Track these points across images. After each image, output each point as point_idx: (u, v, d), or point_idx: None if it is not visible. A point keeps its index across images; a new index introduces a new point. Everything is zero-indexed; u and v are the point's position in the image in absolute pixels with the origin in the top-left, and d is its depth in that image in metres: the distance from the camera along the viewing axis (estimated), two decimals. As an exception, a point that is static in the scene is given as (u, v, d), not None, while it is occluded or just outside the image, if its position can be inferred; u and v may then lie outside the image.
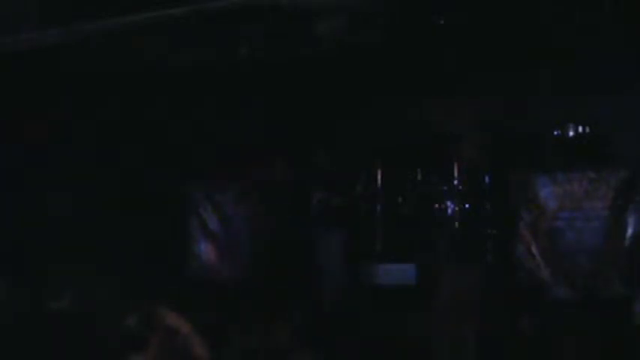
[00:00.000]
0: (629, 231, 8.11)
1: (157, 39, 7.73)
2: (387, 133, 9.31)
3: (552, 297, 8.24)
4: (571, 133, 8.83)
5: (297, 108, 9.22)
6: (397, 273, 8.61)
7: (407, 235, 9.08)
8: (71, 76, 8.10)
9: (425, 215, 9.04)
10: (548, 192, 8.37)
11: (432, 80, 8.72)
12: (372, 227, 9.19)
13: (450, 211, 8.96)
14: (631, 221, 8.11)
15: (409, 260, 8.69)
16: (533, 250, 8.38)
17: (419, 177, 9.20)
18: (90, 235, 8.47)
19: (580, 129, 8.85)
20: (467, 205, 8.97)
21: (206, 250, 9.36)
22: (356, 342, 7.55)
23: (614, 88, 8.45)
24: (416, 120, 9.28)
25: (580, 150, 8.70)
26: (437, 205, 9.00)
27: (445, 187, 9.03)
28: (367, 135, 9.33)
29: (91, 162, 8.78)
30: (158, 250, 8.77)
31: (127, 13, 7.33)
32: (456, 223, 8.94)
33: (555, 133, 8.87)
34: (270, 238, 9.07)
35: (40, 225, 8.36)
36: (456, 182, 9.00)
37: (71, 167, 8.65)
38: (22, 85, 7.92)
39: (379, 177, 9.31)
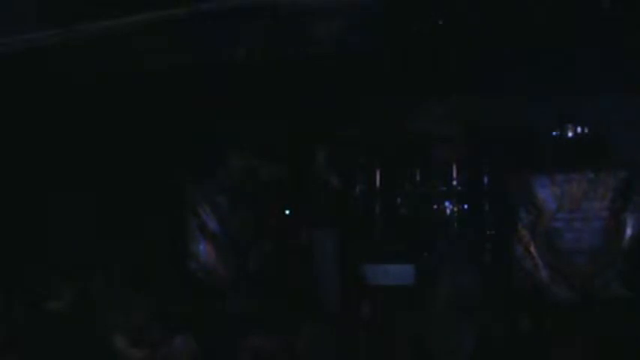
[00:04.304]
0: (628, 231, 8.11)
1: (157, 39, 7.74)
2: (386, 133, 9.33)
3: (551, 297, 8.24)
4: (570, 134, 8.85)
5: (296, 108, 9.23)
6: (397, 273, 8.62)
7: (406, 235, 9.09)
8: (71, 75, 8.11)
9: (424, 215, 9.05)
10: (546, 193, 8.37)
11: (431, 81, 8.74)
12: (372, 227, 9.21)
13: (449, 211, 8.98)
14: (629, 222, 8.11)
15: (409, 260, 8.70)
16: (532, 250, 8.38)
17: (418, 177, 9.21)
18: (89, 236, 8.48)
19: (579, 129, 8.86)
20: (466, 206, 8.99)
21: (205, 251, 9.37)
22: (356, 342, 7.54)
23: (614, 88, 8.48)
24: (415, 120, 9.30)
25: (579, 150, 8.71)
26: (436, 206, 9.02)
27: (444, 188, 9.05)
28: (367, 135, 9.35)
29: (91, 161, 8.79)
30: (158, 250, 8.78)
31: (127, 13, 7.34)
32: (455, 224, 8.96)
33: (555, 133, 8.89)
34: (269, 238, 9.10)
35: (40, 224, 8.37)
36: (454, 183, 9.02)
37: (71, 167, 8.66)
38: (22, 85, 7.93)
39: (379, 177, 9.32)
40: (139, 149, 8.93)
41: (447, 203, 9.03)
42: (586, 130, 8.80)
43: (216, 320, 7.02)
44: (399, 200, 9.26)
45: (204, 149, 9.30)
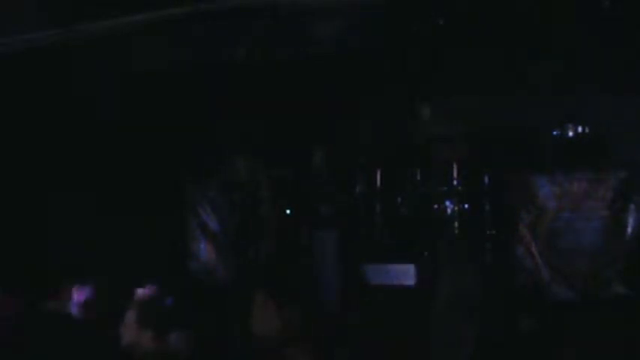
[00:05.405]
0: (628, 231, 8.10)
1: (157, 39, 7.75)
2: (386, 133, 9.33)
3: (552, 297, 8.24)
4: (571, 133, 8.85)
5: (296, 108, 9.23)
6: (397, 273, 8.61)
7: (406, 235, 9.09)
8: (71, 76, 8.12)
9: (424, 215, 9.05)
10: (547, 192, 8.36)
11: (431, 80, 8.75)
12: (372, 227, 9.20)
13: (449, 211, 8.98)
14: (630, 221, 8.11)
15: (409, 260, 8.69)
16: (533, 250, 8.37)
17: (419, 177, 9.21)
18: (89, 235, 8.48)
19: (580, 129, 8.86)
20: (466, 206, 8.99)
21: (205, 251, 9.37)
22: (355, 342, 7.54)
23: (614, 88, 8.48)
24: (415, 120, 9.30)
25: (579, 150, 8.71)
26: (436, 206, 9.02)
27: (444, 188, 9.05)
28: (367, 135, 9.35)
29: (91, 161, 8.79)
30: (157, 251, 8.78)
31: (127, 13, 7.34)
32: (456, 223, 8.95)
33: (555, 133, 8.88)
34: (270, 238, 9.09)
35: (39, 224, 8.37)
36: (455, 182, 9.02)
37: (71, 167, 8.66)
38: (22, 85, 7.94)
39: (379, 177, 9.32)
40: (138, 149, 8.93)
41: (447, 203, 9.03)
42: (586, 130, 8.80)
43: (216, 320, 7.01)
44: (399, 200, 9.26)
45: (204, 149, 9.31)
